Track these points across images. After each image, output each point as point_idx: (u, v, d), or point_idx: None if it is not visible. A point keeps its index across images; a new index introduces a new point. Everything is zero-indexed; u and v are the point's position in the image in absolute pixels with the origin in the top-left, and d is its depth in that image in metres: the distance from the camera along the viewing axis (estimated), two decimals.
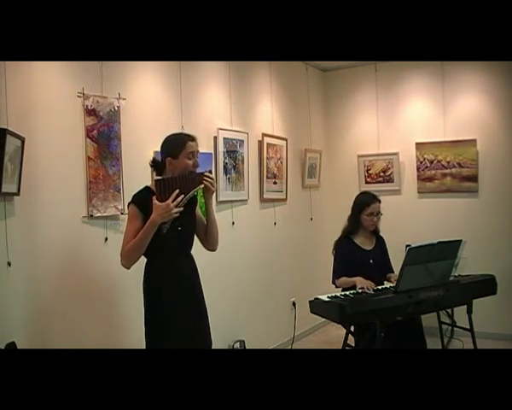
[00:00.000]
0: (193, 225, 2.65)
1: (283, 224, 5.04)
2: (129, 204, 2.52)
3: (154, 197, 2.40)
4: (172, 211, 2.37)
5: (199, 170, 2.58)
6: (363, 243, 3.64)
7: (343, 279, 3.50)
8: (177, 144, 2.52)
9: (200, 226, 2.71)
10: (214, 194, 2.74)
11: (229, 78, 4.31)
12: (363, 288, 3.29)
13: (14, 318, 2.65)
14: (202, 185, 2.52)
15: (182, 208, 2.43)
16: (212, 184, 2.54)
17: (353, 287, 3.36)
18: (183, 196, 2.42)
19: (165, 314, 2.49)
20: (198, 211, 2.73)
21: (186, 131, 2.76)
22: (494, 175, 4.99)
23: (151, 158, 2.66)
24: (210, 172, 2.61)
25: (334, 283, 3.68)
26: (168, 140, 2.58)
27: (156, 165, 2.59)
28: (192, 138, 2.56)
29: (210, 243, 2.73)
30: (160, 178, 2.48)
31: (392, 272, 3.64)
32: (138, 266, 2.54)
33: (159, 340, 2.49)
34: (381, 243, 3.73)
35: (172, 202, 2.37)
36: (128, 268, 2.47)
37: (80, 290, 3.00)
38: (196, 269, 2.66)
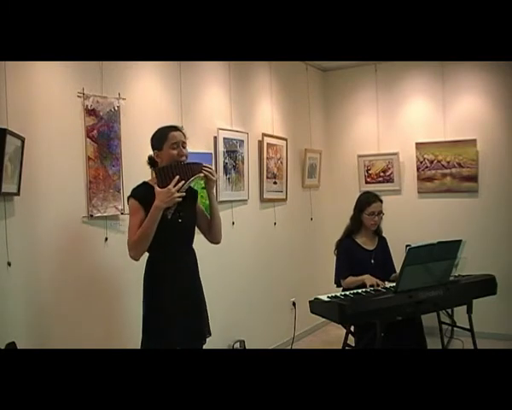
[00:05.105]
0: (193, 218, 2.67)
1: (283, 224, 5.04)
2: (128, 199, 2.54)
3: (155, 185, 2.43)
4: (174, 195, 2.41)
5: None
6: (365, 242, 3.64)
7: (350, 279, 3.49)
8: (160, 136, 2.56)
9: (203, 220, 2.73)
10: (214, 194, 2.74)
11: (229, 78, 4.31)
12: (372, 285, 3.29)
13: (14, 318, 2.64)
14: (202, 174, 2.54)
15: (184, 193, 2.46)
16: (211, 173, 2.57)
17: (359, 286, 3.35)
18: (183, 181, 2.45)
19: (165, 306, 2.49)
20: (199, 204, 2.75)
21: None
22: (494, 175, 4.99)
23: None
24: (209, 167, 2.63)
25: (336, 283, 3.67)
26: (153, 134, 2.61)
27: (150, 161, 2.63)
28: (175, 128, 2.58)
29: (213, 236, 2.74)
30: (160, 166, 2.51)
31: (395, 272, 3.63)
32: (139, 266, 2.54)
33: (156, 332, 2.49)
34: (383, 243, 3.72)
35: (174, 187, 2.41)
36: (137, 259, 2.48)
37: (80, 290, 3.00)
38: (197, 263, 2.68)
